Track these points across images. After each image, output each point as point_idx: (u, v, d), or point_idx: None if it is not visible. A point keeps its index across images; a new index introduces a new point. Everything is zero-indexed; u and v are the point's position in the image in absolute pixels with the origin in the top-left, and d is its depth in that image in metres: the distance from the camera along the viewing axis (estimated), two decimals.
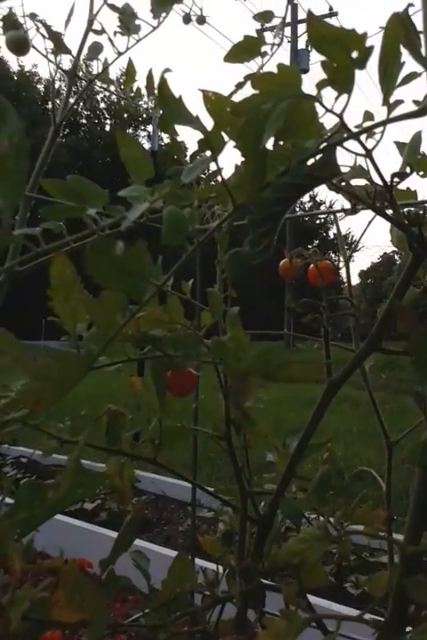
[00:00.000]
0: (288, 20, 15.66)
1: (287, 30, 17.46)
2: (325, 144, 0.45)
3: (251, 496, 0.73)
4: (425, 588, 0.45)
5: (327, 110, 0.42)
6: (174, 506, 3.75)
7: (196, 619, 0.65)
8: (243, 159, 0.44)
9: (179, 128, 0.58)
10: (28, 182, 0.96)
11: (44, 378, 0.40)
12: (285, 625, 0.47)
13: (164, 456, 0.74)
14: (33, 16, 0.95)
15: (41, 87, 26.51)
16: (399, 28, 0.44)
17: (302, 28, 17.46)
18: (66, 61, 1.04)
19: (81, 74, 1.03)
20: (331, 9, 18.36)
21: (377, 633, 0.53)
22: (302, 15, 17.57)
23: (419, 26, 0.54)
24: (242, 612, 0.65)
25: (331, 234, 33.69)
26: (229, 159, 0.55)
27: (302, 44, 17.72)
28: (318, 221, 32.56)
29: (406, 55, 0.48)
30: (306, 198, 30.95)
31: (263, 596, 0.79)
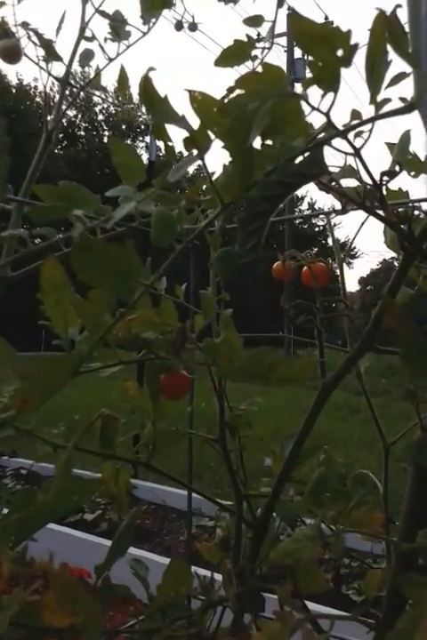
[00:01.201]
0: (284, 30, 15.74)
1: (284, 40, 17.57)
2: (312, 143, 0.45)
3: (246, 499, 0.73)
4: (419, 586, 0.44)
5: (314, 108, 0.43)
6: (175, 515, 3.74)
7: (192, 623, 0.65)
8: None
9: (174, 138, 0.58)
10: (18, 185, 0.96)
11: (32, 378, 0.40)
12: (278, 626, 0.47)
13: (163, 464, 0.74)
14: (25, 25, 0.96)
15: (40, 100, 26.65)
16: (385, 26, 0.44)
17: None
18: (61, 71, 1.05)
19: (74, 82, 1.03)
20: (327, 18, 18.47)
21: (373, 633, 0.53)
22: None
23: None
24: (238, 615, 0.64)
25: (330, 241, 33.68)
26: (219, 161, 0.55)
27: (298, 53, 17.79)
28: (317, 229, 32.62)
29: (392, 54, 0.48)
30: (304, 205, 30.97)
31: (263, 601, 0.78)
